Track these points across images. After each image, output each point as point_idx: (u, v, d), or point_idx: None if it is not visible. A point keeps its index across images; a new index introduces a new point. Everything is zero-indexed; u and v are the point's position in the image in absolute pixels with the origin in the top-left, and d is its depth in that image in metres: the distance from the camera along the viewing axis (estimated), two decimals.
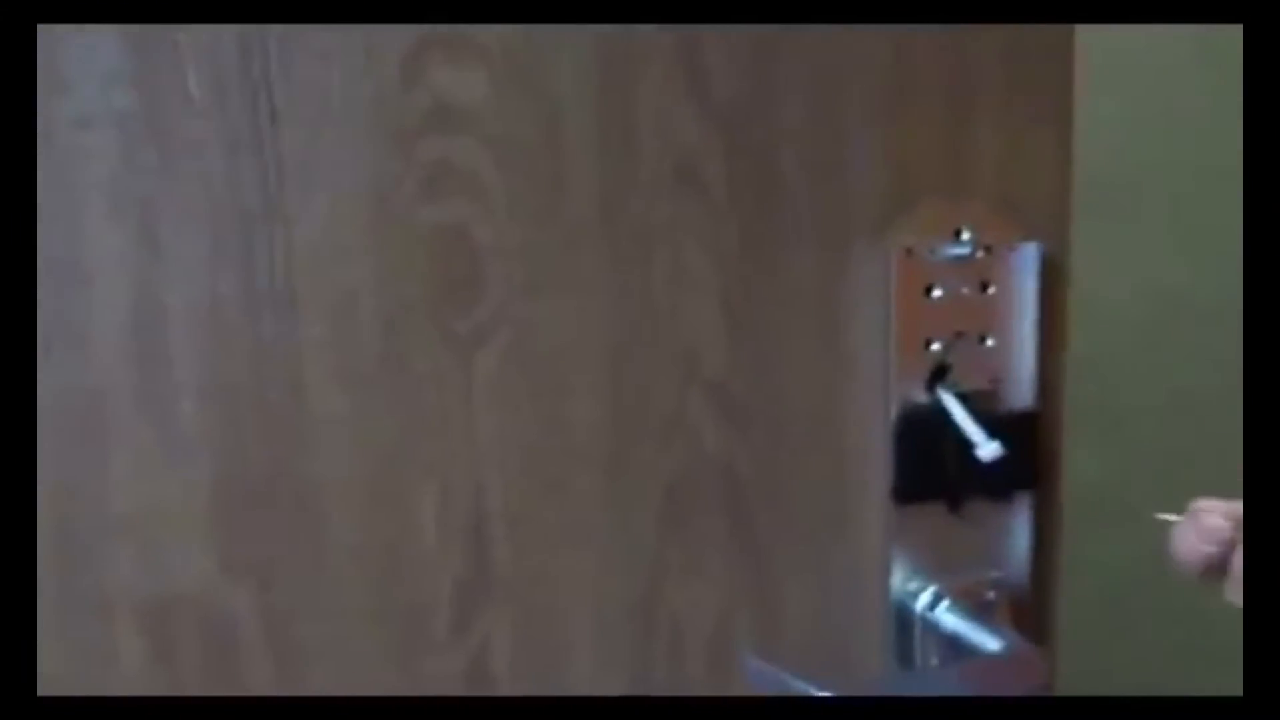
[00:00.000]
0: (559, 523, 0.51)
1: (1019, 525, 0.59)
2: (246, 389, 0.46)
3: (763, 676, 0.54)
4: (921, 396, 0.56)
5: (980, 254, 0.56)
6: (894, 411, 0.56)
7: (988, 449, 0.53)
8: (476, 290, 0.49)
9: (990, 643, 0.55)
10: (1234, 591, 0.41)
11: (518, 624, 0.51)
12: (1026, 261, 0.57)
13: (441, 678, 0.50)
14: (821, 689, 0.51)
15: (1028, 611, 0.59)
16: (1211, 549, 0.42)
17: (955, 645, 0.57)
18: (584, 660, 0.53)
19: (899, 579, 0.58)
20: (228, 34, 0.45)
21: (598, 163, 0.50)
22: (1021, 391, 0.58)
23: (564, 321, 0.51)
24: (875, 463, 0.56)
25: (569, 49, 0.49)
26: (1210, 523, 0.44)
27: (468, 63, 0.48)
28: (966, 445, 0.56)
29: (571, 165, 0.50)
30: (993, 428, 0.55)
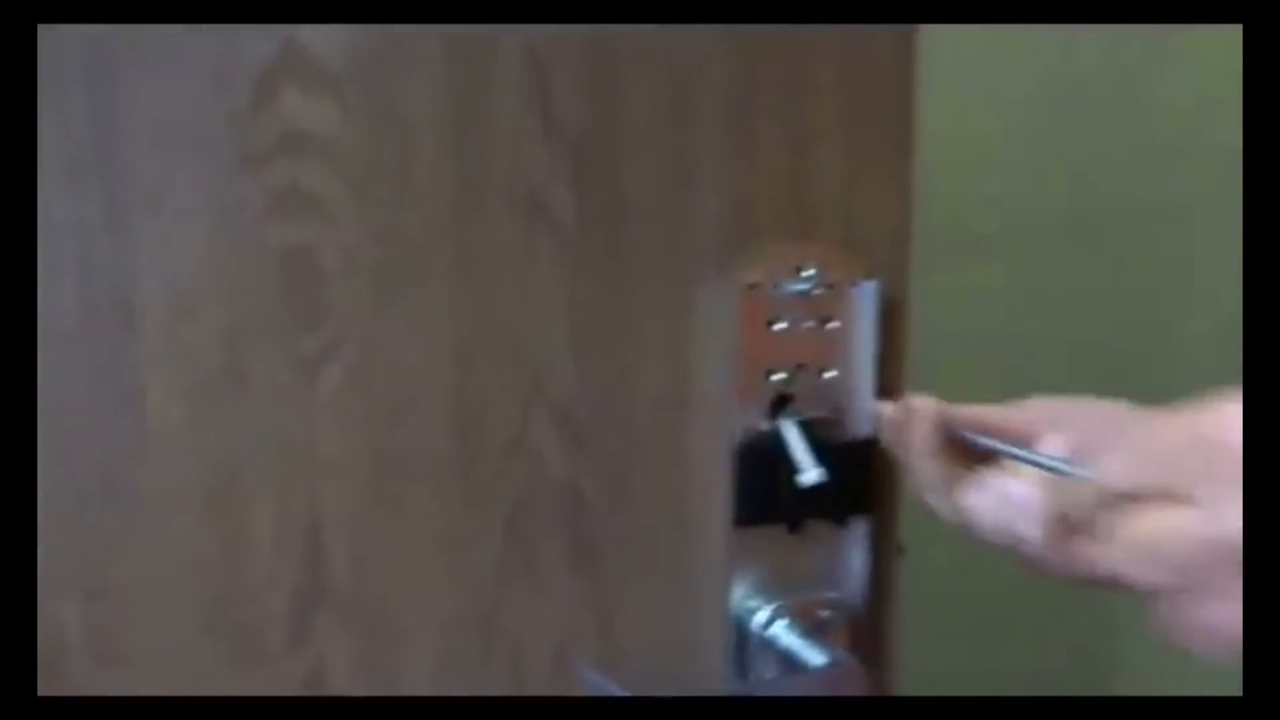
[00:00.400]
0: (399, 539, 0.53)
1: (854, 547, 0.61)
2: (80, 398, 0.47)
3: (598, 690, 0.56)
4: (763, 424, 0.59)
5: (821, 290, 0.59)
6: (735, 438, 0.58)
7: (809, 475, 0.56)
8: (322, 310, 0.50)
9: (816, 658, 0.57)
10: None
11: (356, 638, 0.52)
12: (866, 298, 0.60)
13: (277, 691, 0.51)
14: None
15: (863, 629, 0.62)
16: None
17: (789, 661, 0.59)
18: (423, 674, 0.54)
19: (739, 598, 0.60)
20: (74, 49, 0.46)
21: (448, 187, 0.52)
22: (860, 421, 0.60)
23: (409, 342, 0.52)
24: (717, 487, 0.58)
25: (421, 74, 0.51)
26: (1016, 494, 0.40)
27: (318, 89, 0.49)
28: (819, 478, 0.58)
29: (422, 189, 0.51)
30: (831, 455, 0.58)
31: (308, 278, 0.50)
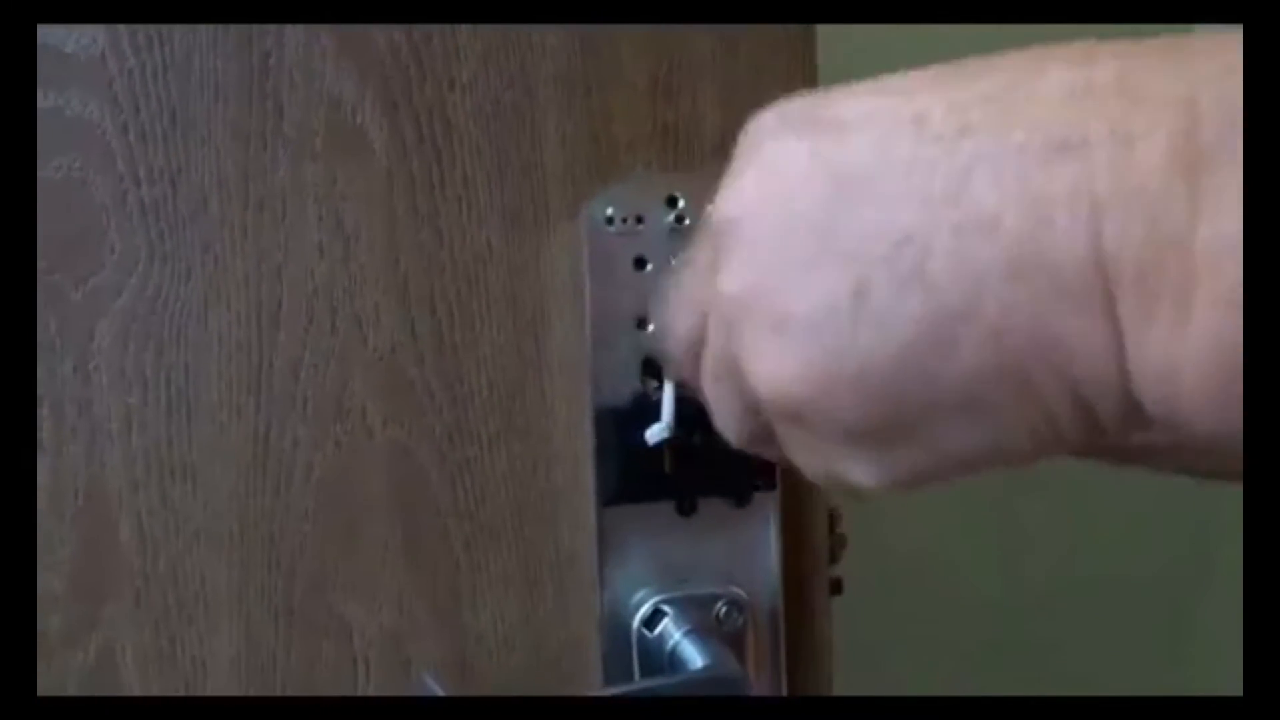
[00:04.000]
0: (191, 516, 0.47)
1: (761, 533, 0.52)
2: None
3: (427, 692, 0.48)
4: (634, 384, 0.50)
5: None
6: (599, 400, 0.50)
7: (652, 430, 0.47)
8: (95, 253, 0.46)
9: (698, 660, 0.48)
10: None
11: (148, 627, 0.47)
12: None
13: (58, 680, 0.46)
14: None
15: (775, 632, 0.52)
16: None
17: (675, 663, 0.50)
18: (228, 667, 0.47)
19: (618, 591, 0.51)
20: None
21: (236, 116, 0.46)
22: None
23: (196, 292, 0.46)
24: (580, 460, 0.50)
25: None
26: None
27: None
28: (690, 442, 0.50)
29: (204, 118, 0.46)
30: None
31: (77, 216, 0.45)
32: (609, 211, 0.49)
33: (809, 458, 0.29)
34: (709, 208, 0.31)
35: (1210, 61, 0.24)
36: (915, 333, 0.25)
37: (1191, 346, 0.22)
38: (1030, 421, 0.25)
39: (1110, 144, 0.23)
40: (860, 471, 0.28)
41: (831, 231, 0.26)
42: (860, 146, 0.26)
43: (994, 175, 0.24)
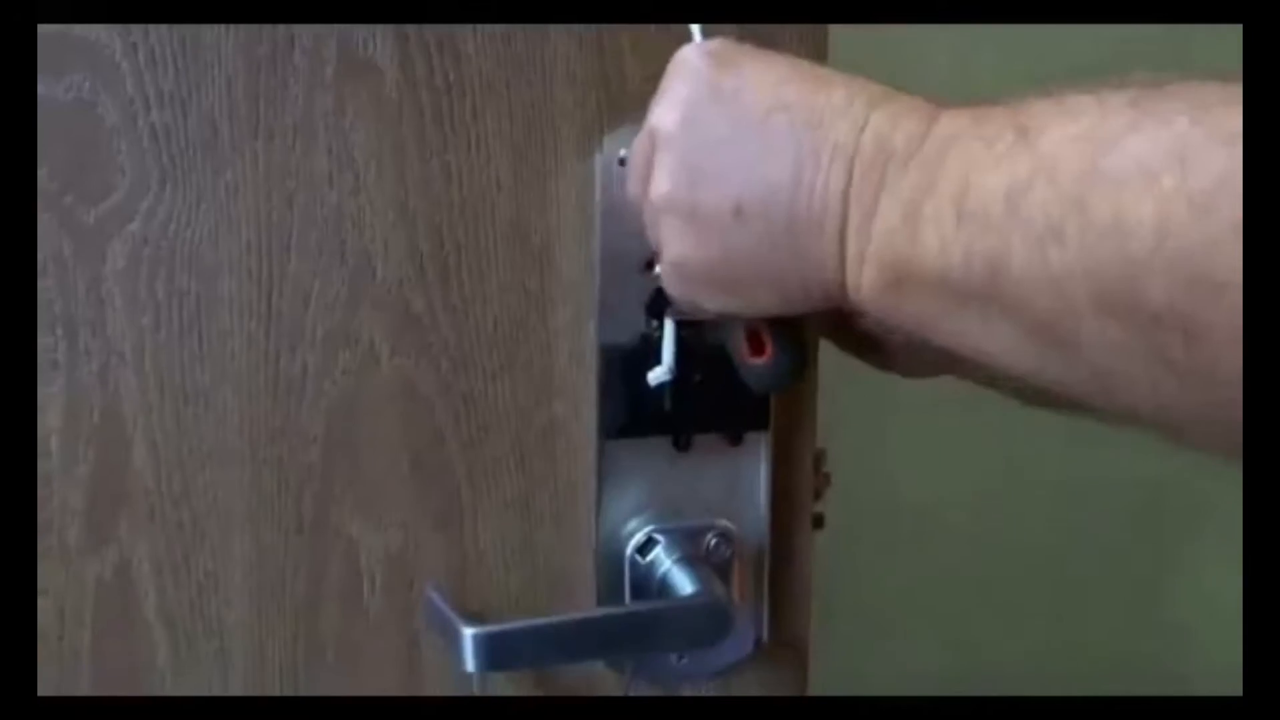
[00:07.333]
0: (203, 438, 0.48)
1: (751, 470, 0.53)
2: None
3: (431, 611, 0.50)
4: (639, 323, 0.51)
5: None
6: (604, 338, 0.51)
7: (655, 373, 0.48)
8: (107, 176, 0.46)
9: (687, 586, 0.50)
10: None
11: (161, 541, 0.48)
12: None
13: (76, 590, 0.48)
14: (478, 624, 0.47)
15: (759, 564, 0.54)
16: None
17: (666, 592, 0.52)
18: (241, 581, 0.50)
19: (614, 520, 0.53)
20: None
21: (246, 41, 0.46)
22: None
23: (207, 218, 0.47)
24: (583, 394, 0.51)
25: None
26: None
27: None
28: (689, 379, 0.51)
29: (213, 43, 0.45)
30: (722, 361, 0.50)
31: (87, 140, 0.45)
32: (621, 152, 0.49)
33: (682, 293, 0.45)
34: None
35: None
36: (755, 244, 0.41)
37: (867, 276, 0.39)
38: (799, 293, 0.42)
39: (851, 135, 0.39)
40: (709, 304, 0.45)
41: (723, 163, 0.41)
42: (749, 102, 0.41)
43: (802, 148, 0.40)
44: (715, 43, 0.44)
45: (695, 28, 0.46)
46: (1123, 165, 0.32)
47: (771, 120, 0.40)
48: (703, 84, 0.42)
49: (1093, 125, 0.33)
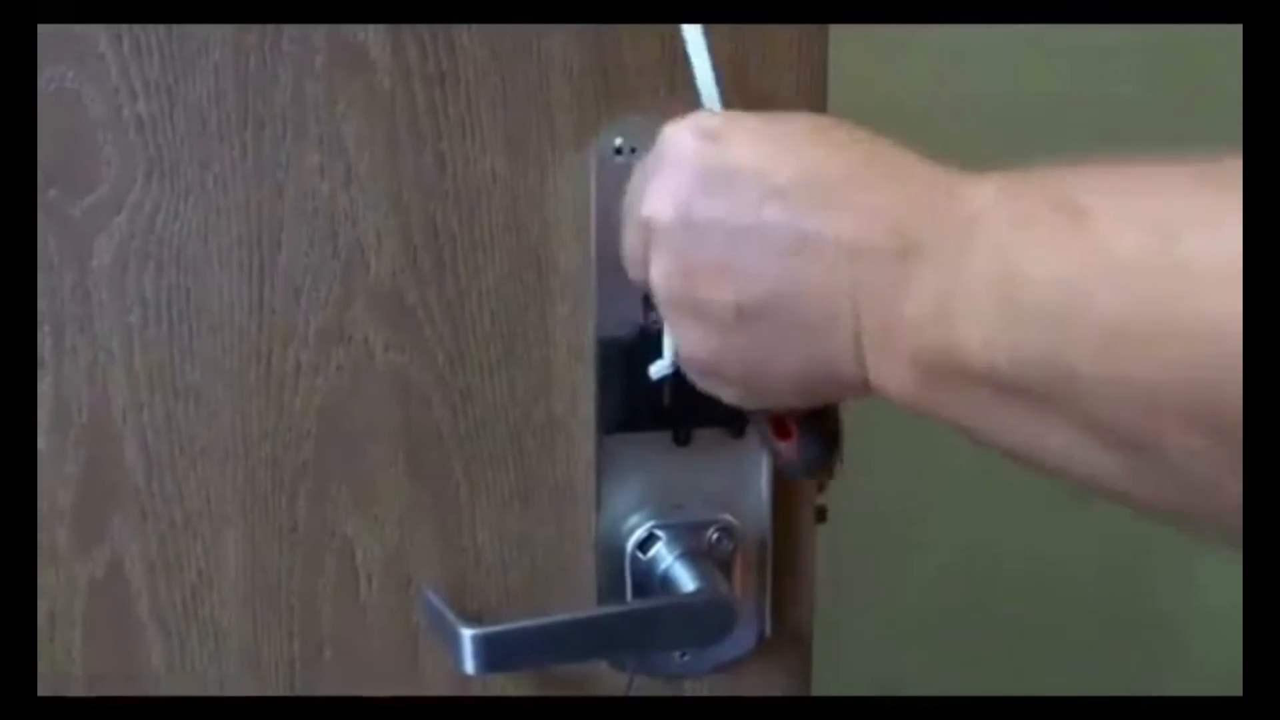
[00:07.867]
0: (195, 435, 0.47)
1: (752, 463, 0.53)
2: None
3: (429, 612, 0.50)
4: (638, 316, 0.50)
5: None
6: (602, 332, 0.50)
7: (657, 365, 0.47)
8: (92, 169, 0.45)
9: (689, 583, 0.50)
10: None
11: (154, 540, 0.48)
12: None
13: (69, 588, 0.47)
14: (476, 625, 0.47)
15: (764, 560, 0.53)
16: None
17: (668, 589, 0.52)
18: (235, 581, 0.49)
19: (614, 517, 0.52)
20: None
21: (234, 29, 0.45)
22: None
23: (196, 211, 0.46)
24: (580, 389, 0.51)
25: None
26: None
27: None
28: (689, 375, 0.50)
29: (200, 29, 0.44)
30: None
31: (74, 131, 0.44)
32: (618, 142, 0.48)
33: (699, 385, 0.44)
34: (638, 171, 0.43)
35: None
36: (762, 343, 0.39)
37: (894, 374, 0.36)
38: (818, 389, 0.41)
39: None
40: (727, 397, 0.43)
41: (720, 262, 0.39)
42: (742, 192, 0.39)
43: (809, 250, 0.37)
44: (706, 118, 0.41)
45: (707, 96, 0.44)
46: (1202, 257, 0.28)
47: (766, 212, 0.38)
48: (694, 172, 0.40)
49: (1157, 206, 0.29)
